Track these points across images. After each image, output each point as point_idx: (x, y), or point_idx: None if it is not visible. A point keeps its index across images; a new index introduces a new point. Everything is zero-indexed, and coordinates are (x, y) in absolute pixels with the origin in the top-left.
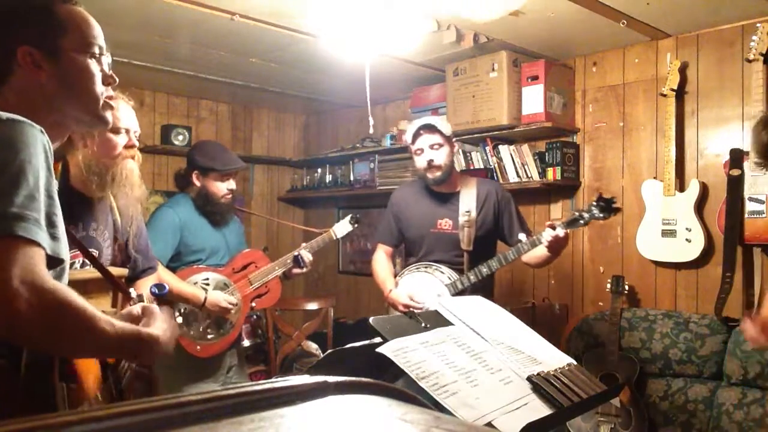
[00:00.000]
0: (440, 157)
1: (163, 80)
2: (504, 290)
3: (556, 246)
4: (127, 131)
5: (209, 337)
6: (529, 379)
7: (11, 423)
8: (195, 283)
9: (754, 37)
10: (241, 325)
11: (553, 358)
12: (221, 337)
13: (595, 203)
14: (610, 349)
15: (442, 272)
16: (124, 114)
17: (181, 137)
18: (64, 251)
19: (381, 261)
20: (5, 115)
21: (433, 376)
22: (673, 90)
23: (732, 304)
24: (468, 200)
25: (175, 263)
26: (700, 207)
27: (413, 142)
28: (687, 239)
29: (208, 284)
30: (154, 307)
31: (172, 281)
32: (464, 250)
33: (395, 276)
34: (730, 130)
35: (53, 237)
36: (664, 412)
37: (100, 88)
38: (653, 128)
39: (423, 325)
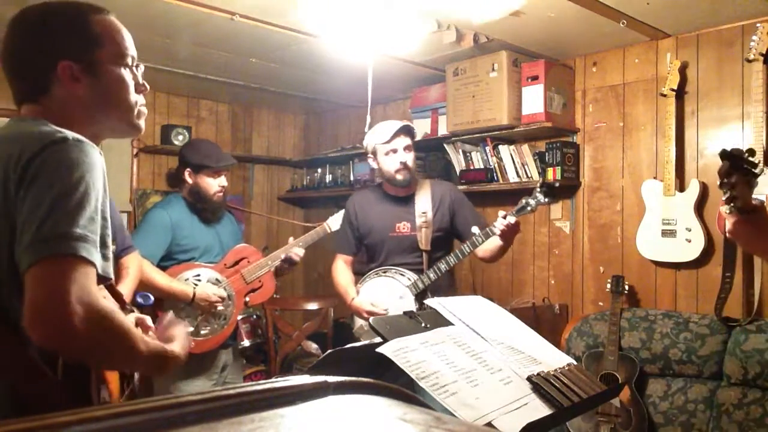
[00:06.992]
0: (411, 160)
1: (163, 80)
2: (504, 290)
3: (509, 233)
4: None
5: (203, 332)
6: (529, 379)
7: (11, 423)
8: (186, 280)
9: (754, 37)
10: (235, 320)
11: (553, 358)
12: (215, 333)
13: (539, 189)
14: (610, 349)
15: (402, 275)
16: None
17: (181, 137)
18: (111, 271)
19: (340, 270)
20: (71, 135)
21: (433, 376)
22: (673, 90)
23: (732, 304)
24: (423, 202)
25: (168, 262)
26: (700, 207)
27: (389, 141)
28: (687, 239)
29: (199, 280)
30: (147, 318)
31: (161, 279)
32: (422, 250)
33: (356, 284)
34: (730, 130)
35: (104, 257)
36: (664, 412)
37: (134, 97)
38: (653, 128)
39: (423, 325)
